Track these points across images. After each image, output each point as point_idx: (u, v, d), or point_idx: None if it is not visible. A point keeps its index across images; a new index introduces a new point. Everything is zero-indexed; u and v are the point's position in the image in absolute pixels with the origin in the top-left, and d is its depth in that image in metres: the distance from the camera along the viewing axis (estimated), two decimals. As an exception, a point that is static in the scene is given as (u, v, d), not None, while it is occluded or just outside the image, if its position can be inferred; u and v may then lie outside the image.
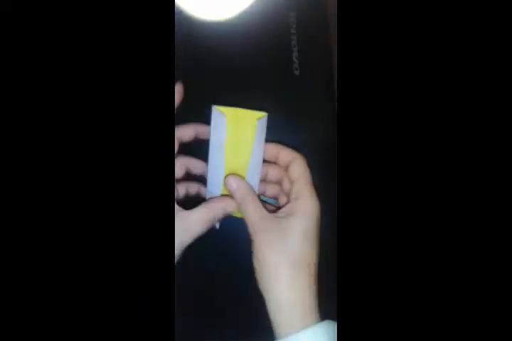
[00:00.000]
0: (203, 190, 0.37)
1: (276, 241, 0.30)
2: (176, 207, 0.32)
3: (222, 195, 0.35)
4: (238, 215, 0.34)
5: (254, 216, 0.32)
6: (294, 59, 0.42)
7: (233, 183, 0.33)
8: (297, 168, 0.33)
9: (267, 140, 0.35)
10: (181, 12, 0.39)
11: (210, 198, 0.35)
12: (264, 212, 0.32)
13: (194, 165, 0.37)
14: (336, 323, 0.30)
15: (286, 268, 0.30)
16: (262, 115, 0.34)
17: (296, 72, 0.42)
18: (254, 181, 0.35)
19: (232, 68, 0.42)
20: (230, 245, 0.40)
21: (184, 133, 0.35)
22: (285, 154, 0.34)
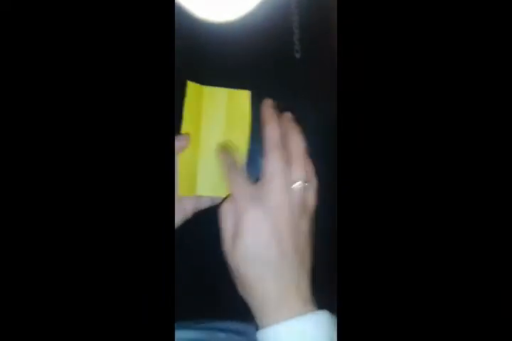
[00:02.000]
0: None
1: (261, 217, 0.30)
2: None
3: None
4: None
5: (238, 190, 0.32)
6: (295, 41, 0.41)
7: (222, 155, 0.35)
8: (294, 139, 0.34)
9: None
10: (180, 6, 0.38)
11: None
12: (249, 185, 0.32)
13: None
14: (330, 314, 0.30)
15: (274, 253, 0.30)
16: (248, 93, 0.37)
17: (297, 55, 0.42)
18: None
19: (231, 49, 0.42)
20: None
21: None
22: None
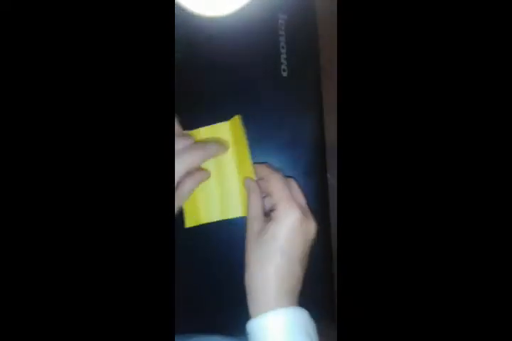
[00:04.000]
0: None
1: (261, 261, 0.34)
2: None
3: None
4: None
5: (251, 235, 0.35)
6: (282, 60, 0.43)
7: (249, 184, 0.37)
8: (272, 182, 0.36)
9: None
10: (176, 8, 0.39)
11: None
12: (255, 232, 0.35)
13: None
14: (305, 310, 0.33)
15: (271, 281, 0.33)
16: (238, 120, 0.38)
17: (284, 74, 0.43)
18: None
19: (220, 68, 0.43)
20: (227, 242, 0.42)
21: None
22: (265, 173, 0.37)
